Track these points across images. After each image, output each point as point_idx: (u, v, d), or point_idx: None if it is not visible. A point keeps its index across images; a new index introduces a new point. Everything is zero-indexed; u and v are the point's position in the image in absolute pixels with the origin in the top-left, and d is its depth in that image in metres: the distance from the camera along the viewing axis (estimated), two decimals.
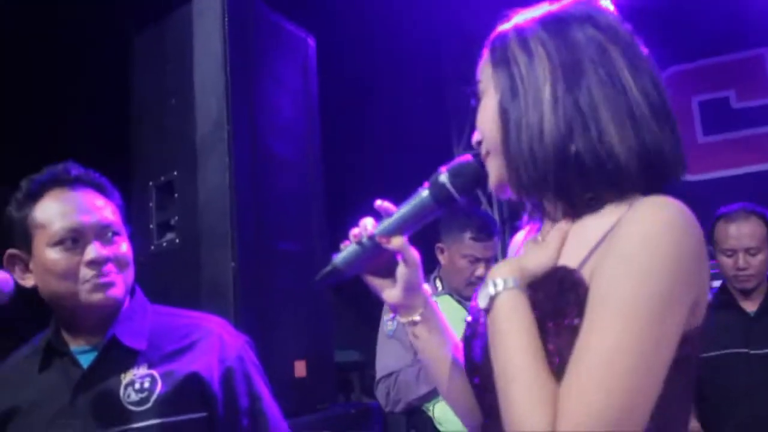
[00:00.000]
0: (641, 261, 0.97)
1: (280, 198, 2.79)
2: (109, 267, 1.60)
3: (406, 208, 1.23)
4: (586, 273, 1.05)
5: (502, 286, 1.08)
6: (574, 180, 1.09)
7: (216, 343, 1.68)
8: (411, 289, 1.26)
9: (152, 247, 2.76)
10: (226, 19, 2.63)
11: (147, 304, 1.75)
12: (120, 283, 1.63)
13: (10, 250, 1.65)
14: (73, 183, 1.64)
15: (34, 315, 1.77)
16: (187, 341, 1.68)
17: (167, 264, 2.71)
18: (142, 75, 2.89)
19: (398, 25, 4.53)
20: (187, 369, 1.62)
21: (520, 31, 1.15)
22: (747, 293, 2.98)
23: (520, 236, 1.34)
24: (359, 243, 1.23)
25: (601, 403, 0.92)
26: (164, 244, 2.74)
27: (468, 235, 2.85)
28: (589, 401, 0.93)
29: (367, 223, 1.23)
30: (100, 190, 1.67)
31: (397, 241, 1.22)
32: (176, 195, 2.72)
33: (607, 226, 1.07)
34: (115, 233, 1.64)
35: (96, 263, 1.59)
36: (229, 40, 2.63)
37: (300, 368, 2.73)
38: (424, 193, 1.21)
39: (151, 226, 2.78)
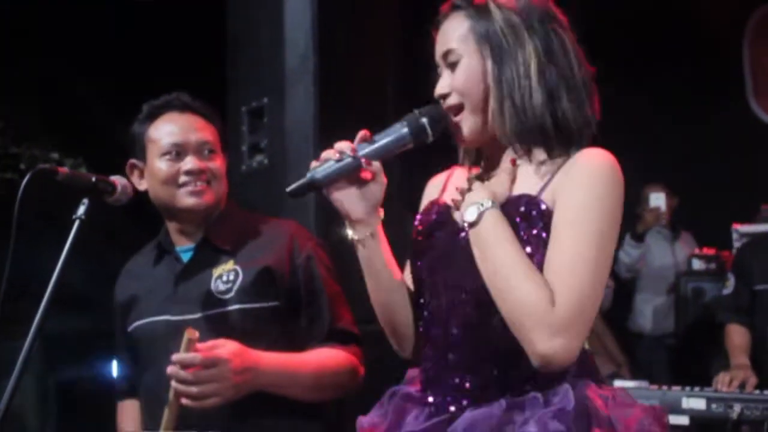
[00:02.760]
0: (596, 192, 1.35)
1: (361, 123, 3.01)
2: (203, 177, 1.92)
3: (387, 139, 1.46)
4: (546, 198, 1.39)
5: (489, 204, 1.36)
6: (547, 136, 1.42)
7: (288, 243, 1.96)
8: (374, 206, 1.48)
9: (244, 167, 3.05)
10: None
11: (238, 210, 2.06)
12: (211, 192, 1.94)
13: (132, 160, 2.01)
14: (182, 108, 1.97)
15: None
16: (265, 241, 1.98)
17: (257, 183, 3.00)
18: (237, 11, 3.14)
19: None
20: (262, 263, 1.92)
21: (505, 14, 1.43)
22: None
23: (439, 178, 1.61)
24: (339, 160, 1.44)
25: (582, 284, 1.30)
26: (254, 165, 3.02)
27: None
28: (577, 280, 1.30)
29: (345, 146, 1.44)
30: (203, 115, 2.00)
31: (377, 164, 1.46)
32: (265, 120, 2.98)
33: (553, 166, 1.41)
34: (211, 151, 1.96)
35: (191, 173, 1.92)
36: None
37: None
38: (404, 129, 1.45)
39: (243, 148, 3.06)
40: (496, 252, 1.33)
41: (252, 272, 1.92)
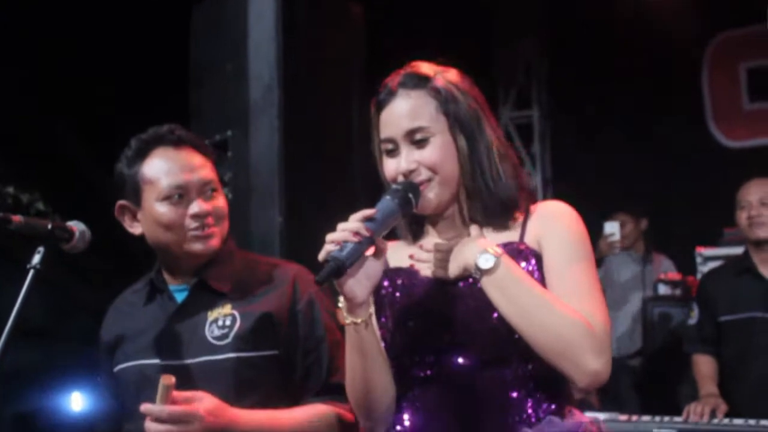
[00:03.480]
0: (578, 233, 1.53)
1: (326, 156, 2.99)
2: (209, 220, 1.81)
3: (384, 215, 1.44)
4: (529, 243, 1.53)
5: (500, 251, 1.44)
6: (510, 208, 1.56)
7: (289, 288, 1.85)
8: (374, 285, 1.48)
9: None
10: None
11: (236, 250, 1.94)
12: (218, 234, 1.84)
13: (121, 201, 1.87)
14: (176, 142, 1.83)
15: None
16: (266, 285, 1.86)
17: None
18: (200, 42, 3.10)
19: None
20: (262, 309, 1.81)
21: (468, 99, 1.53)
22: (764, 256, 3.11)
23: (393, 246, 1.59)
24: (360, 243, 1.40)
25: (602, 306, 1.47)
26: None
27: None
28: (596, 304, 1.46)
29: (359, 226, 1.41)
30: (199, 149, 1.87)
31: (385, 241, 1.48)
32: (230, 153, 2.94)
33: (519, 220, 1.56)
34: (213, 189, 1.84)
35: (199, 217, 1.80)
36: (282, 10, 2.82)
37: (342, 317, 2.96)
38: (395, 204, 1.46)
39: None
40: (522, 291, 1.42)
41: (250, 318, 1.81)
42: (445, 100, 1.53)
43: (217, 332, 1.80)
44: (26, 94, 4.13)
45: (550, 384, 1.49)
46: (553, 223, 1.53)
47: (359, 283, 1.44)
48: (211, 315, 1.83)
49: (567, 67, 5.92)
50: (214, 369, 1.78)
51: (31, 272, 1.62)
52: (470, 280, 1.48)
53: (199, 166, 1.83)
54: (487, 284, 1.43)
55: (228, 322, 1.81)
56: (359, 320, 1.47)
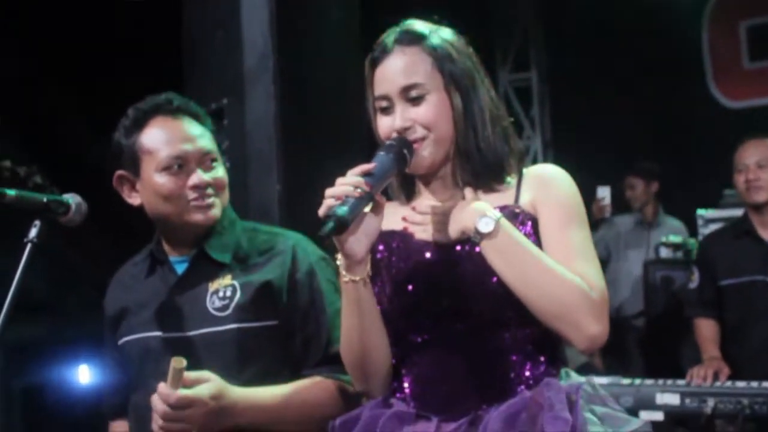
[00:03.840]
0: (573, 196, 1.53)
1: (322, 122, 2.96)
2: (209, 191, 1.79)
3: (381, 171, 1.42)
4: (524, 206, 1.52)
5: (499, 214, 1.43)
6: (503, 170, 1.55)
7: (288, 258, 1.83)
8: (372, 242, 1.46)
9: None
10: None
11: (236, 220, 1.91)
12: (218, 204, 1.81)
13: (119, 172, 1.84)
14: (175, 112, 1.80)
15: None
16: (265, 255, 1.84)
17: None
18: (194, 10, 3.05)
19: None
20: (262, 279, 1.80)
21: (463, 57, 1.54)
22: (764, 219, 3.08)
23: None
24: (361, 198, 1.37)
25: (598, 270, 1.48)
26: None
27: None
28: (593, 269, 1.46)
29: (359, 181, 1.38)
30: (198, 118, 1.84)
31: (383, 197, 1.46)
32: (226, 121, 2.90)
33: (512, 183, 1.55)
34: (213, 159, 1.82)
35: (199, 187, 1.77)
36: None
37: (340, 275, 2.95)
38: (390, 160, 1.43)
39: None
40: (523, 256, 1.42)
41: (250, 289, 1.79)
42: (440, 58, 1.51)
43: (218, 303, 1.79)
44: (21, 66, 4.09)
45: (548, 347, 1.50)
46: (548, 186, 1.53)
47: (358, 240, 1.43)
48: (212, 286, 1.81)
49: (564, 28, 5.86)
50: (216, 340, 1.76)
51: (29, 246, 1.60)
52: (468, 243, 1.46)
53: (198, 136, 1.81)
54: (487, 248, 1.42)
55: (228, 293, 1.80)
56: (358, 278, 1.46)
